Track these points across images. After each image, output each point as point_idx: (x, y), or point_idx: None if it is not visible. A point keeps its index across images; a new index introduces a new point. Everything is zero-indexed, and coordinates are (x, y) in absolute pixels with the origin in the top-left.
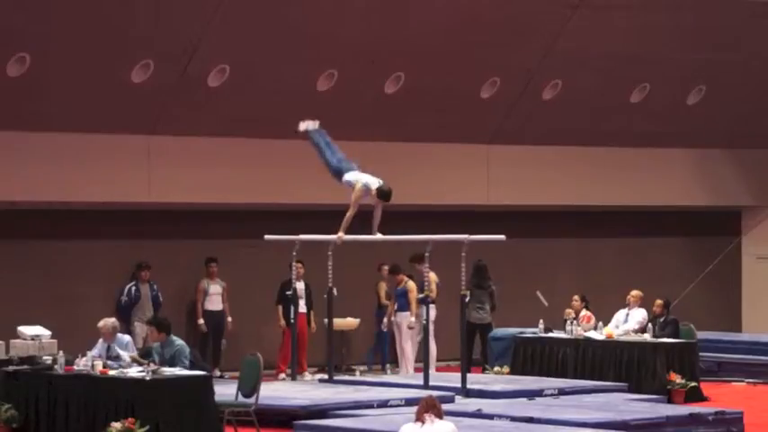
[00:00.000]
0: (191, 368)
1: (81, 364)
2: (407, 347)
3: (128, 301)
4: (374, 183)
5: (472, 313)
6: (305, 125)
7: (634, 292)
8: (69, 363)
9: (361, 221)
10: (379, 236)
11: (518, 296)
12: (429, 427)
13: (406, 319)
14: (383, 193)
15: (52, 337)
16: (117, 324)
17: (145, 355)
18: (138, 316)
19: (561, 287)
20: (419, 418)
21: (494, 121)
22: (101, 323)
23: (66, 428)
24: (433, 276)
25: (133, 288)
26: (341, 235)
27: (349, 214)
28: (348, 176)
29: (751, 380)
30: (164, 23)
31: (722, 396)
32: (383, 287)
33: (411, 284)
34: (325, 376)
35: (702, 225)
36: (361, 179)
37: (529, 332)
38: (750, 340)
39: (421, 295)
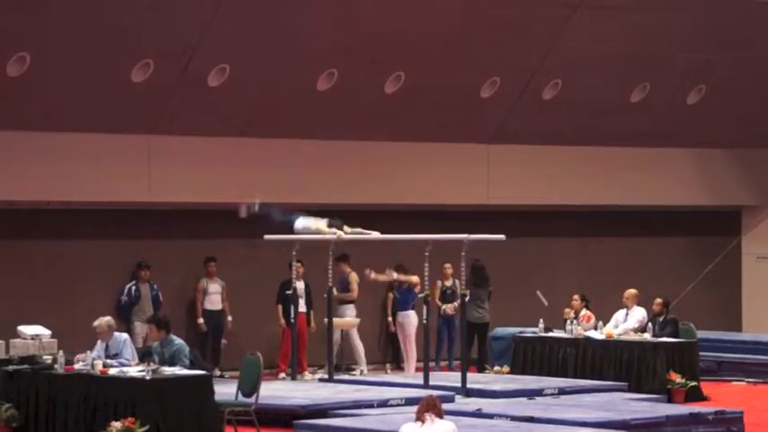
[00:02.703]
0: (191, 367)
1: (80, 364)
2: (411, 348)
3: (128, 301)
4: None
5: (472, 313)
6: (244, 210)
7: (628, 293)
8: (69, 362)
9: (362, 220)
10: (376, 234)
11: (518, 296)
12: (429, 427)
13: (408, 318)
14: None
15: (52, 336)
16: (112, 322)
17: (145, 355)
18: (138, 315)
19: (561, 287)
20: (419, 418)
21: (494, 121)
22: (95, 323)
23: (66, 428)
24: (354, 277)
25: (133, 288)
26: (340, 234)
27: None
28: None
29: (751, 379)
30: (164, 23)
31: (722, 396)
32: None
33: (414, 279)
34: (325, 375)
35: (702, 225)
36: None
37: (529, 332)
38: (750, 340)
39: (421, 294)
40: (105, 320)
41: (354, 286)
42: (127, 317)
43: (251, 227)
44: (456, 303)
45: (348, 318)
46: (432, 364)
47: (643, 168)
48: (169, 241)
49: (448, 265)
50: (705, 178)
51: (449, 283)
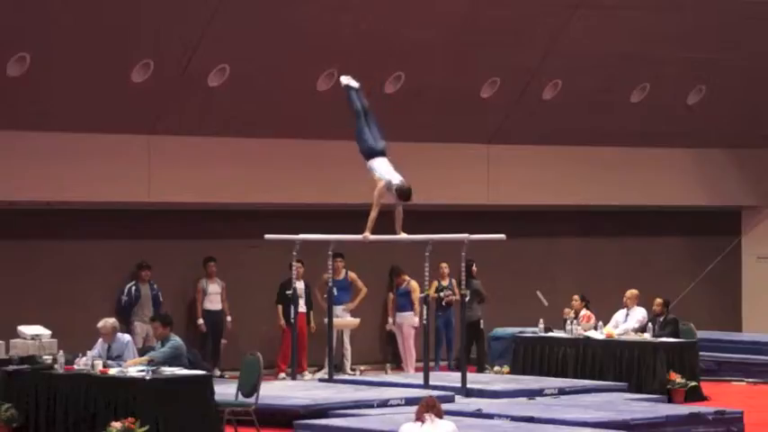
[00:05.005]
0: (190, 368)
1: (81, 364)
2: (410, 349)
3: (128, 301)
4: (395, 179)
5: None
6: (347, 79)
7: (629, 293)
8: (69, 362)
9: (363, 221)
10: (403, 235)
11: (518, 296)
12: (429, 427)
13: (407, 319)
14: (402, 193)
15: (52, 336)
16: (117, 324)
17: (145, 355)
18: (138, 316)
19: (561, 287)
20: (419, 418)
21: (494, 121)
22: (100, 323)
23: (66, 428)
24: (354, 275)
25: (133, 288)
26: (367, 235)
27: (373, 214)
28: (373, 164)
29: (751, 380)
30: (164, 23)
31: (722, 396)
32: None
33: (414, 284)
34: (325, 376)
35: (702, 225)
36: (384, 176)
37: (529, 332)
38: (750, 340)
39: (421, 294)
40: (110, 322)
41: (360, 284)
42: (127, 317)
43: (251, 227)
44: (455, 297)
45: (348, 318)
46: (431, 364)
47: (643, 168)
48: (169, 241)
49: (444, 265)
50: (705, 178)
51: (445, 282)
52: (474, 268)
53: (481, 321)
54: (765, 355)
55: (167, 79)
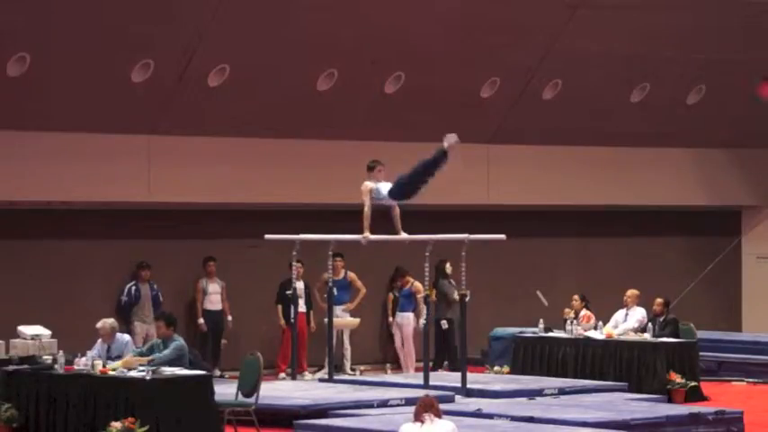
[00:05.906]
0: (190, 368)
1: (81, 364)
2: (410, 349)
3: (128, 301)
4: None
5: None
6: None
7: (630, 292)
8: (69, 363)
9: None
10: (404, 236)
11: (518, 296)
12: (429, 427)
13: (407, 319)
14: (368, 165)
15: (52, 336)
16: (116, 324)
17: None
18: (138, 315)
19: (561, 287)
20: (418, 418)
21: (494, 121)
22: (99, 324)
23: (66, 428)
24: (354, 275)
25: (133, 288)
26: (366, 235)
27: (365, 211)
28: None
29: (751, 380)
30: (164, 23)
31: (722, 396)
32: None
33: (418, 286)
34: (325, 376)
35: (702, 225)
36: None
37: (529, 332)
38: (750, 340)
39: (421, 294)
40: (109, 322)
41: (359, 284)
42: (127, 317)
43: (251, 227)
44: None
45: (348, 318)
46: (431, 364)
47: (643, 168)
48: (169, 241)
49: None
50: (705, 178)
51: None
52: (448, 268)
53: (442, 323)
54: (765, 355)
55: (167, 79)
